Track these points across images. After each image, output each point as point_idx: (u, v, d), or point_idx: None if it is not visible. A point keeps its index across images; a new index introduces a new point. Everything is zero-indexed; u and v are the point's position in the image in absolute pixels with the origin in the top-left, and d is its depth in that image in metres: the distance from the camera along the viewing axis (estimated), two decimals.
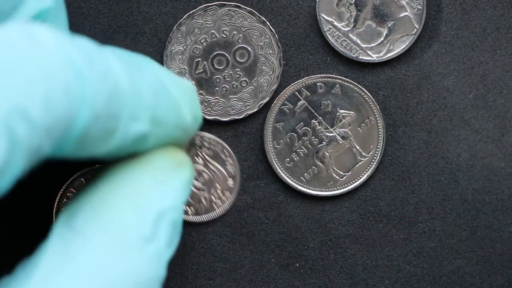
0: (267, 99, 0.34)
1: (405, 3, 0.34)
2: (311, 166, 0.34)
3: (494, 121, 0.34)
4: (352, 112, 0.34)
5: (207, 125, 0.34)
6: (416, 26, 0.34)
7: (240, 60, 0.34)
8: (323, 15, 0.34)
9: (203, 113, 0.34)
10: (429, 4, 0.34)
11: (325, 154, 0.34)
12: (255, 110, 0.34)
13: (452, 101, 0.34)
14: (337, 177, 0.34)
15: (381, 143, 0.34)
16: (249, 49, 0.34)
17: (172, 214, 0.26)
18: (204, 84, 0.34)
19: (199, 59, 0.34)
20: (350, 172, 0.34)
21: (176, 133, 0.27)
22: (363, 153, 0.34)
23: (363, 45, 0.34)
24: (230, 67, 0.34)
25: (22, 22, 0.23)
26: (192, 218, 0.34)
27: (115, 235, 0.25)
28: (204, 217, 0.34)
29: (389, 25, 0.34)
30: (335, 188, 0.34)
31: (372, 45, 0.34)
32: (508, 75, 0.34)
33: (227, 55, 0.34)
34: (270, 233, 0.34)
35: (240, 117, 0.34)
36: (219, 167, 0.34)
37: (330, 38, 0.34)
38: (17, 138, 0.21)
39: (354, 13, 0.34)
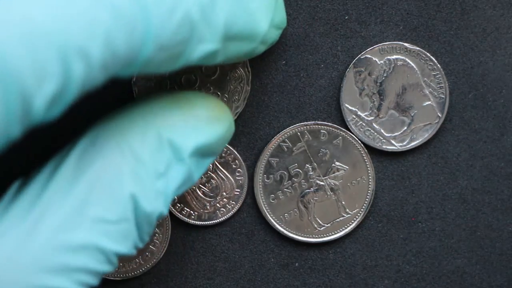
0: (242, 108, 0.33)
1: (428, 92, 0.33)
2: (293, 208, 0.34)
3: (494, 121, 0.34)
4: (347, 167, 0.34)
5: None
6: (439, 114, 0.34)
7: (208, 74, 0.33)
8: (346, 105, 0.34)
9: None
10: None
11: (310, 201, 0.34)
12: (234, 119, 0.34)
13: (452, 101, 0.34)
14: (316, 225, 0.34)
15: (367, 205, 0.34)
16: None
17: (191, 165, 0.26)
18: None
19: (168, 81, 0.33)
20: (329, 224, 0.34)
21: (248, 46, 0.27)
22: (347, 210, 0.34)
23: (386, 134, 0.34)
24: (198, 84, 0.33)
25: None
26: (194, 222, 0.34)
27: (131, 158, 0.25)
28: (206, 223, 0.34)
29: (412, 114, 0.34)
30: (311, 236, 0.34)
31: (395, 134, 0.34)
32: (508, 75, 0.34)
33: (194, 72, 0.33)
34: (270, 232, 0.34)
35: None
36: (229, 175, 0.34)
37: (354, 128, 0.34)
38: (72, 73, 0.22)
39: (377, 103, 0.34)
